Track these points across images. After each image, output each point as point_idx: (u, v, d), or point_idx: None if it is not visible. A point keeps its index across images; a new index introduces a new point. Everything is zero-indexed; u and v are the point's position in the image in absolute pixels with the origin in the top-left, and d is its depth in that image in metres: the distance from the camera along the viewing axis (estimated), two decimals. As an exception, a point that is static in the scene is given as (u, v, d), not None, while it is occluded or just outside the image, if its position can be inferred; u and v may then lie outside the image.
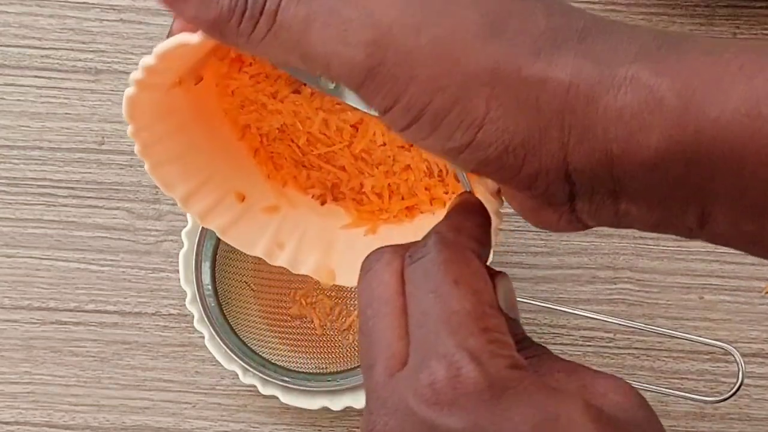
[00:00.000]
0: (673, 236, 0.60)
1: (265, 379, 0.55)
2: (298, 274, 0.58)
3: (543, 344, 0.34)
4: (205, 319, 0.55)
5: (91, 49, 0.61)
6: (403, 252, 0.33)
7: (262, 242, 0.40)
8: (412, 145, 0.39)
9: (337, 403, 0.55)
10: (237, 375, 0.56)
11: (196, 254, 0.55)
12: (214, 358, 0.56)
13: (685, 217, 0.31)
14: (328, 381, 0.56)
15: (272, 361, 0.56)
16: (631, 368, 0.59)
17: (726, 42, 0.30)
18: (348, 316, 0.59)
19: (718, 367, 0.59)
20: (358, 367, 0.56)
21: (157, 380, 0.59)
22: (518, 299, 0.56)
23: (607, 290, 0.60)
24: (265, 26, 0.30)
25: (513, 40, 0.30)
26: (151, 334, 0.60)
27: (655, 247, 0.60)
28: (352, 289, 0.59)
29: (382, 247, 0.34)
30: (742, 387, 0.54)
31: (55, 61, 0.61)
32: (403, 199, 0.40)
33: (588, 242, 0.60)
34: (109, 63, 0.61)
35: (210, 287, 0.56)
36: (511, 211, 0.60)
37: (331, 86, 0.35)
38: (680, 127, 0.29)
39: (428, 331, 0.31)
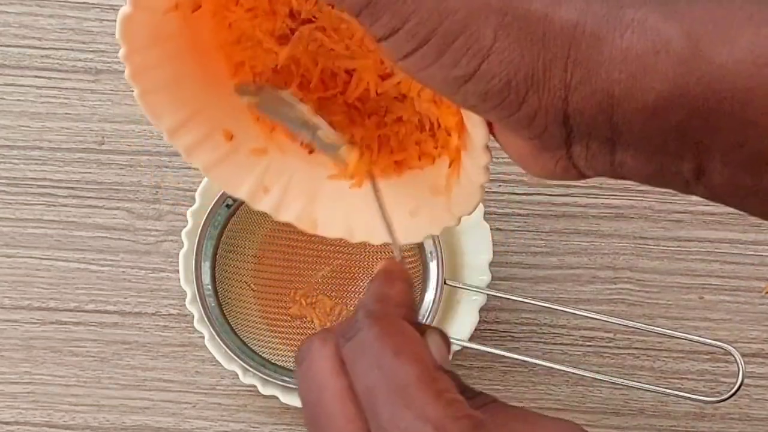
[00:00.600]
0: (674, 237, 0.60)
1: (265, 379, 0.55)
2: (299, 274, 0.59)
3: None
4: (205, 319, 0.55)
5: (91, 49, 0.61)
6: (333, 335, 0.33)
7: (247, 184, 0.39)
8: (405, 96, 0.38)
9: (337, 403, 0.55)
10: (237, 375, 0.56)
11: (196, 254, 0.55)
12: (214, 358, 0.56)
13: (681, 169, 0.31)
14: (328, 381, 0.56)
15: (272, 361, 0.56)
16: (631, 368, 0.59)
17: None
18: (348, 315, 0.59)
19: (718, 367, 0.59)
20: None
21: (157, 380, 0.59)
22: (518, 299, 0.57)
23: (607, 290, 0.60)
24: None
25: None
26: (151, 334, 0.60)
27: (655, 247, 0.60)
28: (353, 289, 0.59)
29: (310, 336, 0.33)
30: (742, 387, 0.54)
31: (55, 61, 0.61)
32: (392, 152, 0.39)
33: (588, 242, 0.60)
34: (109, 63, 0.61)
35: (210, 287, 0.56)
36: (511, 211, 0.60)
37: (309, 137, 0.34)
38: (685, 72, 0.29)
39: (380, 409, 0.30)
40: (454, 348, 0.56)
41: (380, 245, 0.40)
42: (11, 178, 0.60)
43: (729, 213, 0.60)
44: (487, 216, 0.57)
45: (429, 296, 0.56)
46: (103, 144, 0.61)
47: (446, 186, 0.37)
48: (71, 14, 0.61)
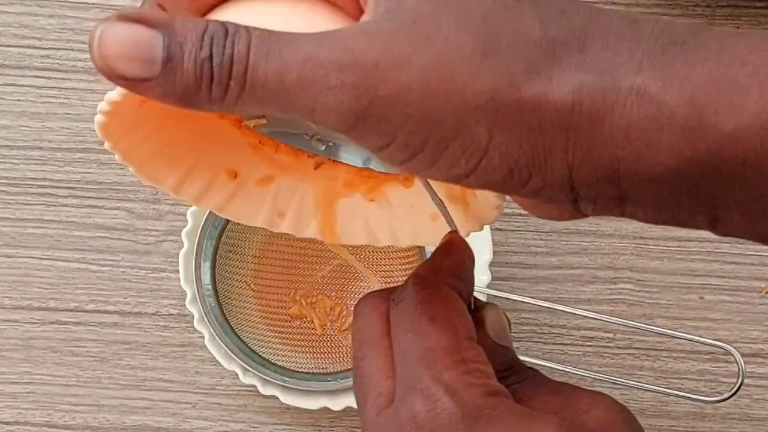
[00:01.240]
0: (674, 237, 0.60)
1: (265, 379, 0.55)
2: (299, 274, 0.59)
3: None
4: (205, 319, 0.55)
5: (91, 49, 0.61)
6: (389, 296, 0.34)
7: (261, 214, 0.39)
8: None
9: (337, 403, 0.55)
10: (237, 375, 0.56)
11: (196, 254, 0.55)
12: (214, 358, 0.56)
13: (695, 220, 0.31)
14: (328, 381, 0.56)
15: (272, 361, 0.56)
16: (631, 368, 0.59)
17: (733, 39, 0.29)
18: (348, 316, 0.59)
19: (718, 367, 0.59)
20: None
21: (157, 380, 0.59)
22: (518, 299, 0.57)
23: (607, 290, 0.60)
24: (237, 89, 0.28)
25: (508, 58, 0.28)
26: (151, 334, 0.60)
27: (655, 247, 0.60)
28: (353, 289, 0.59)
29: (370, 293, 0.35)
30: (742, 387, 0.54)
31: (55, 61, 0.61)
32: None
33: (588, 242, 0.60)
34: (109, 63, 0.61)
35: (210, 287, 0.56)
36: (511, 211, 0.60)
37: (322, 147, 0.34)
38: (692, 144, 0.28)
39: (408, 369, 0.32)
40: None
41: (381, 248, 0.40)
42: (11, 178, 0.60)
43: (729, 213, 0.60)
44: (487, 216, 0.57)
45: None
46: (103, 144, 0.60)
47: (461, 194, 0.37)
48: (71, 14, 0.61)
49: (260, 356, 0.56)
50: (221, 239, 0.56)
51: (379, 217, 0.39)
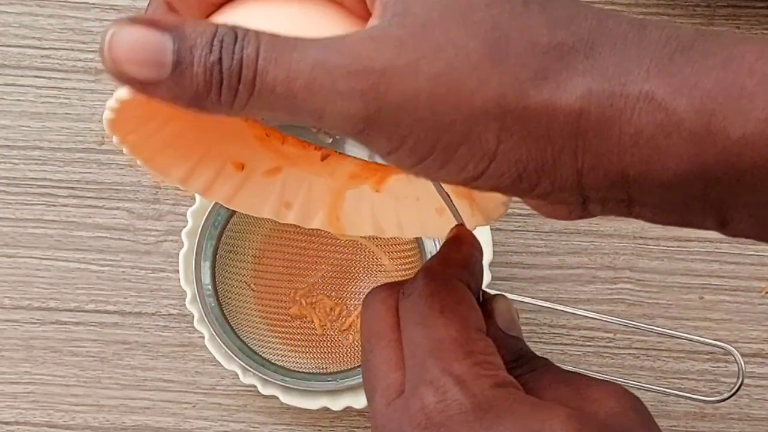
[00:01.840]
0: (674, 237, 0.60)
1: (265, 379, 0.55)
2: (299, 274, 0.59)
3: (539, 350, 0.35)
4: (205, 319, 0.55)
5: (91, 49, 0.61)
6: (398, 288, 0.35)
7: (268, 205, 0.39)
8: None
9: (337, 403, 0.55)
10: (237, 375, 0.56)
11: (196, 254, 0.55)
12: (214, 358, 0.56)
13: (704, 222, 0.31)
14: (328, 381, 0.56)
15: (272, 361, 0.56)
16: (631, 368, 0.59)
17: (741, 45, 0.29)
18: (348, 316, 0.59)
19: (718, 367, 0.59)
20: (358, 367, 0.56)
21: (157, 380, 0.59)
22: (518, 299, 0.57)
23: (607, 290, 0.60)
24: (246, 93, 0.28)
25: (516, 65, 0.28)
26: (151, 334, 0.60)
27: (655, 247, 0.60)
28: (353, 289, 0.59)
29: (379, 286, 0.35)
30: (742, 387, 0.54)
31: (55, 61, 0.61)
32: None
33: (588, 242, 0.60)
34: (109, 63, 0.61)
35: (210, 287, 0.56)
36: (511, 211, 0.60)
37: (329, 140, 0.34)
38: (701, 151, 0.28)
39: (418, 361, 0.32)
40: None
41: (381, 244, 0.40)
42: (11, 178, 0.60)
43: (729, 213, 0.60)
44: (487, 216, 0.57)
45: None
46: (103, 144, 0.61)
47: (468, 191, 0.37)
48: (71, 14, 0.61)
49: (260, 356, 0.56)
50: (221, 239, 0.56)
51: (386, 208, 0.40)
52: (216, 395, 0.59)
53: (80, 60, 0.61)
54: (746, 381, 0.58)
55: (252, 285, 0.58)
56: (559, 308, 0.56)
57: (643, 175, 0.29)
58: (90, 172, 0.60)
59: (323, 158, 0.40)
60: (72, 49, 0.61)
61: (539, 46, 0.28)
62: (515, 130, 0.29)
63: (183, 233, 0.56)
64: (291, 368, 0.56)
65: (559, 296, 0.60)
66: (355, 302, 0.59)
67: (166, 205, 0.60)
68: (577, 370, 0.56)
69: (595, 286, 0.60)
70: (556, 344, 0.60)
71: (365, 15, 0.31)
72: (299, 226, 0.42)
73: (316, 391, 0.55)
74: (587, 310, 0.56)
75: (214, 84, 0.28)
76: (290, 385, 0.55)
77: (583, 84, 0.28)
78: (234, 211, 0.56)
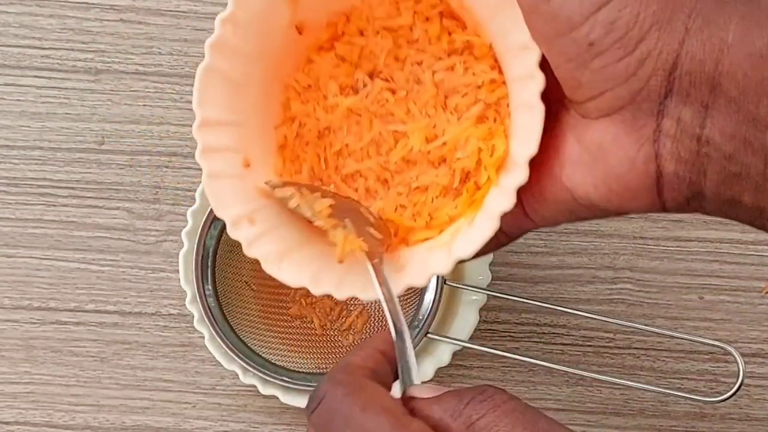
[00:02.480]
0: (674, 237, 0.60)
1: (265, 379, 0.55)
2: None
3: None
4: (205, 319, 0.55)
5: (91, 49, 0.61)
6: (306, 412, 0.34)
7: (235, 209, 0.39)
8: (444, 161, 0.39)
9: (337, 403, 0.55)
10: (237, 375, 0.56)
11: (196, 254, 0.55)
12: (214, 358, 0.56)
13: (765, 142, 0.31)
14: (328, 381, 0.56)
15: (272, 361, 0.56)
16: (631, 368, 0.60)
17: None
18: (348, 316, 0.59)
19: (718, 367, 0.59)
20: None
21: (157, 380, 0.59)
22: (518, 299, 0.57)
23: (607, 290, 0.60)
24: None
25: None
26: (151, 334, 0.60)
27: (655, 247, 0.60)
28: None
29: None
30: (742, 387, 0.54)
31: (55, 61, 0.61)
32: (395, 235, 0.40)
33: (588, 242, 0.60)
34: (109, 63, 0.61)
35: (210, 287, 0.56)
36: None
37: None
38: None
39: None
40: (455, 348, 0.56)
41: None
42: (11, 178, 0.60)
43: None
44: (487, 216, 0.57)
45: (429, 296, 0.56)
46: (103, 144, 0.61)
47: (449, 240, 0.38)
48: (71, 14, 0.61)
49: (260, 356, 0.56)
50: (221, 239, 0.56)
51: (333, 266, 0.39)
52: (216, 395, 0.59)
53: (80, 60, 0.61)
54: (746, 381, 0.58)
55: (252, 285, 0.58)
56: (559, 308, 0.56)
57: (740, 41, 0.31)
58: (90, 172, 0.60)
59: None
60: (72, 49, 0.61)
61: None
62: None
63: (183, 233, 0.56)
64: (291, 368, 0.56)
65: (559, 296, 0.60)
66: (355, 302, 0.59)
67: (166, 205, 0.60)
68: (574, 370, 0.56)
69: (595, 286, 0.60)
70: (556, 344, 0.60)
71: None
72: None
73: (316, 391, 0.55)
74: (587, 310, 0.56)
75: None
76: (290, 385, 0.55)
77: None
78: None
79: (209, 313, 0.55)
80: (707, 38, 0.31)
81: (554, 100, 0.35)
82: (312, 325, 0.59)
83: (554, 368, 0.56)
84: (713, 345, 0.55)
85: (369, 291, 0.37)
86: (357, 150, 0.40)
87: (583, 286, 0.60)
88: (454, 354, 0.56)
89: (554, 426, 0.32)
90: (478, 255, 0.37)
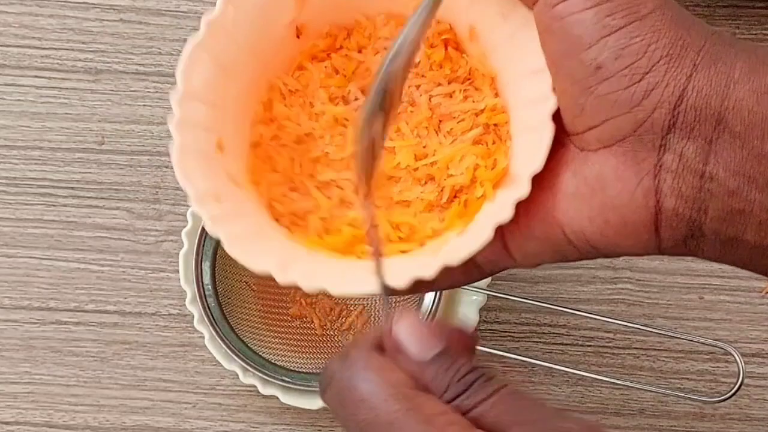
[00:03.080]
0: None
1: (265, 379, 0.55)
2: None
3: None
4: (205, 319, 0.55)
5: (91, 49, 0.61)
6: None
7: (202, 181, 0.37)
8: (432, 178, 0.38)
9: (337, 403, 0.55)
10: (237, 375, 0.56)
11: (196, 254, 0.55)
12: (214, 358, 0.56)
13: None
14: (328, 381, 0.56)
15: (272, 361, 0.56)
16: (631, 368, 0.60)
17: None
18: (348, 316, 0.59)
19: (718, 367, 0.59)
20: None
21: (157, 380, 0.59)
22: (519, 299, 0.57)
23: (607, 290, 0.60)
24: None
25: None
26: (151, 334, 0.60)
27: (655, 247, 0.60)
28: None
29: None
30: (742, 387, 0.54)
31: (55, 61, 0.61)
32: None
33: (588, 242, 0.60)
34: (109, 63, 0.61)
35: (210, 287, 0.56)
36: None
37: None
38: None
39: None
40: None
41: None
42: (11, 178, 0.60)
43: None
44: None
45: (429, 296, 0.56)
46: (103, 144, 0.61)
47: (436, 248, 0.37)
48: (71, 14, 0.61)
49: (260, 356, 0.56)
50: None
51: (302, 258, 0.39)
52: (216, 395, 0.59)
53: (80, 60, 0.61)
54: (746, 381, 0.58)
55: (252, 285, 0.58)
56: (559, 308, 0.56)
57: (746, 77, 0.31)
58: (90, 172, 0.60)
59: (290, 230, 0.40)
60: (72, 49, 0.61)
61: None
62: (669, 9, 0.33)
63: (183, 233, 0.56)
64: (291, 368, 0.56)
65: (559, 296, 0.60)
66: (355, 302, 0.59)
67: (166, 205, 0.60)
68: (574, 370, 0.56)
69: (595, 286, 0.60)
70: (556, 344, 0.60)
71: None
72: None
73: (316, 391, 0.55)
74: (587, 310, 0.56)
75: None
76: (290, 385, 0.55)
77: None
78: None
79: (209, 313, 0.55)
80: (714, 74, 0.31)
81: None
82: (312, 325, 0.59)
83: (554, 368, 0.56)
84: (713, 345, 0.55)
85: (341, 287, 0.35)
86: (337, 160, 0.39)
87: (583, 286, 0.60)
88: (454, 354, 0.56)
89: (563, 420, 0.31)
90: (449, 286, 0.37)
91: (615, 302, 0.60)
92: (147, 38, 0.61)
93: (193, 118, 0.37)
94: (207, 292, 0.56)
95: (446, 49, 0.40)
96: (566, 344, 0.60)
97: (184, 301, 0.56)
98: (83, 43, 0.61)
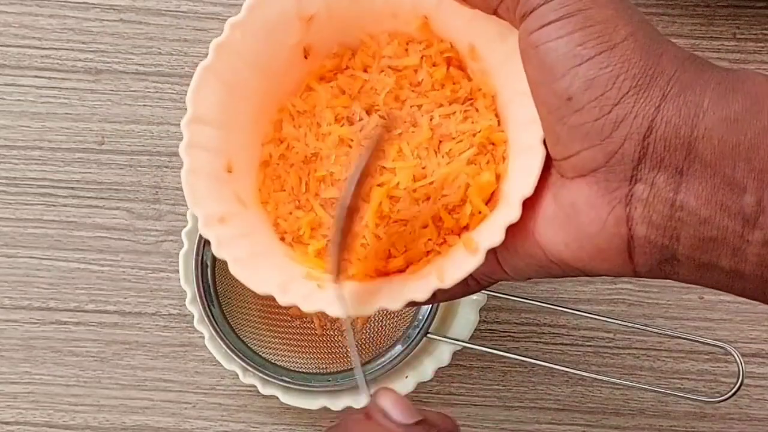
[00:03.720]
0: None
1: (265, 379, 0.55)
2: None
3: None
4: (205, 319, 0.55)
5: (91, 49, 0.61)
6: None
7: (209, 207, 0.39)
8: (429, 198, 0.39)
9: (337, 403, 0.55)
10: (237, 375, 0.56)
11: (196, 254, 0.55)
12: (214, 358, 0.56)
13: (741, 206, 0.31)
14: (328, 381, 0.56)
15: (272, 361, 0.56)
16: (631, 368, 0.60)
17: None
18: (348, 316, 0.59)
19: (718, 367, 0.59)
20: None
21: (157, 380, 0.59)
22: (519, 299, 0.57)
23: (607, 290, 0.60)
24: None
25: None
26: (151, 334, 0.60)
27: (655, 247, 0.60)
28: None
29: None
30: (742, 387, 0.54)
31: (55, 61, 0.61)
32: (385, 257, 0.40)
33: (588, 242, 0.60)
34: (109, 63, 0.61)
35: (210, 287, 0.56)
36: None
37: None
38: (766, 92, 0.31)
39: None
40: (455, 348, 0.56)
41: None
42: (11, 178, 0.60)
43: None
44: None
45: (429, 296, 0.56)
46: (103, 144, 0.61)
47: (428, 270, 0.38)
48: (71, 14, 0.61)
49: (260, 356, 0.56)
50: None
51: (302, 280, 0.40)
52: (216, 395, 0.59)
53: (80, 60, 0.61)
54: (746, 381, 0.58)
55: (252, 285, 0.58)
56: (559, 308, 0.56)
57: (716, 104, 0.31)
58: (90, 172, 0.60)
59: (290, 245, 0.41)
60: (72, 49, 0.61)
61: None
62: (640, 37, 0.33)
63: (183, 233, 0.56)
64: (291, 368, 0.56)
65: (559, 296, 0.60)
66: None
67: (166, 205, 0.60)
68: (574, 370, 0.56)
69: (595, 286, 0.60)
70: (556, 344, 0.60)
71: None
72: None
73: (316, 391, 0.56)
74: (587, 310, 0.56)
75: None
76: (290, 385, 0.55)
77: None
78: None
79: (209, 313, 0.55)
80: (683, 104, 0.31)
81: None
82: (312, 325, 0.59)
83: (554, 368, 0.56)
84: (713, 345, 0.55)
85: (335, 308, 0.37)
86: (341, 179, 0.40)
87: (583, 286, 0.60)
88: (454, 354, 0.56)
89: None
90: (446, 299, 0.37)
91: (615, 302, 0.60)
92: (147, 38, 0.61)
93: (202, 141, 0.38)
94: (207, 292, 0.56)
95: (448, 67, 0.40)
96: (566, 344, 0.60)
97: (184, 301, 0.56)
98: (83, 43, 0.61)
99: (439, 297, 0.37)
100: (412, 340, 0.55)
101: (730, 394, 0.54)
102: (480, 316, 0.57)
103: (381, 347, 0.57)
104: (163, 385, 0.59)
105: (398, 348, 0.56)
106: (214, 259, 0.56)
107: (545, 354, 0.59)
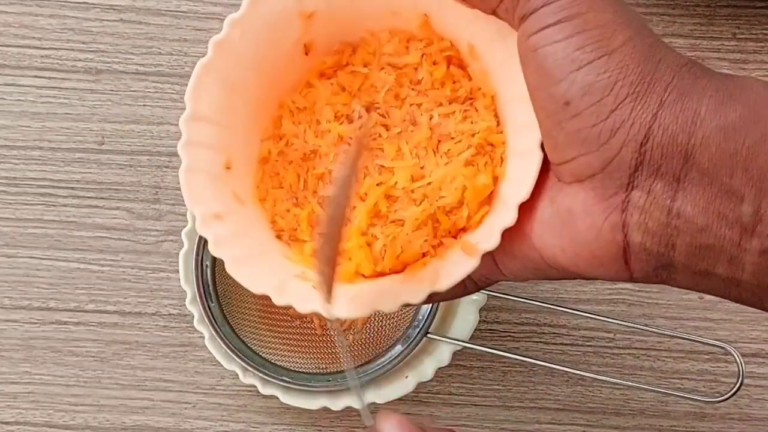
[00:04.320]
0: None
1: (265, 379, 0.55)
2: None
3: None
4: (205, 319, 0.55)
5: (91, 49, 0.61)
6: None
7: (204, 203, 0.39)
8: (426, 197, 0.39)
9: (337, 403, 0.55)
10: (237, 375, 0.56)
11: (196, 254, 0.55)
12: (214, 358, 0.56)
13: (738, 215, 0.31)
14: (328, 381, 0.56)
15: (272, 361, 0.56)
16: (631, 368, 0.60)
17: None
18: (348, 316, 0.59)
19: (718, 367, 0.59)
20: (358, 366, 0.56)
21: (157, 380, 0.59)
22: (519, 299, 0.57)
23: (607, 290, 0.60)
24: None
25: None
26: (151, 334, 0.60)
27: (655, 247, 0.60)
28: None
29: None
30: (742, 387, 0.54)
31: (55, 61, 0.61)
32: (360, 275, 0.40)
33: (588, 242, 0.60)
34: (109, 63, 0.61)
35: (210, 287, 0.56)
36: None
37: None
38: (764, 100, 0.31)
39: None
40: (455, 348, 0.56)
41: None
42: (11, 178, 0.60)
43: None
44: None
45: (429, 296, 0.56)
46: (103, 144, 0.61)
47: (423, 273, 0.38)
48: (71, 14, 0.61)
49: (260, 356, 0.56)
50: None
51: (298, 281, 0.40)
52: (216, 395, 0.59)
53: (80, 60, 0.61)
54: (746, 381, 0.58)
55: (252, 285, 0.58)
56: (559, 308, 0.56)
57: (713, 112, 0.31)
58: (90, 172, 0.60)
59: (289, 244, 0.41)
60: (72, 49, 0.61)
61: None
62: (638, 43, 0.32)
63: (183, 233, 0.56)
64: (291, 368, 0.56)
65: (559, 296, 0.60)
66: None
67: (166, 205, 0.60)
68: (574, 370, 0.56)
69: (595, 286, 0.60)
70: (556, 344, 0.60)
71: None
72: None
73: (316, 391, 0.56)
74: (587, 310, 0.56)
75: None
76: (290, 385, 0.55)
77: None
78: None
79: (209, 313, 0.55)
80: (681, 111, 0.31)
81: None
82: (312, 325, 0.59)
83: (554, 368, 0.56)
84: (713, 345, 0.55)
85: (333, 310, 0.37)
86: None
87: (583, 286, 0.60)
88: (454, 354, 0.56)
89: None
90: (444, 299, 0.37)
91: (615, 302, 0.60)
92: (147, 38, 0.61)
93: (201, 138, 0.38)
94: (207, 292, 0.56)
95: (449, 66, 0.40)
96: (566, 344, 0.60)
97: (184, 301, 0.56)
98: (83, 43, 0.61)
99: (435, 298, 0.37)
100: (412, 340, 0.55)
101: (730, 394, 0.54)
102: (480, 316, 0.57)
103: (381, 347, 0.57)
104: (163, 385, 0.59)
105: (398, 348, 0.56)
106: (214, 259, 0.56)
107: (545, 354, 0.59)
